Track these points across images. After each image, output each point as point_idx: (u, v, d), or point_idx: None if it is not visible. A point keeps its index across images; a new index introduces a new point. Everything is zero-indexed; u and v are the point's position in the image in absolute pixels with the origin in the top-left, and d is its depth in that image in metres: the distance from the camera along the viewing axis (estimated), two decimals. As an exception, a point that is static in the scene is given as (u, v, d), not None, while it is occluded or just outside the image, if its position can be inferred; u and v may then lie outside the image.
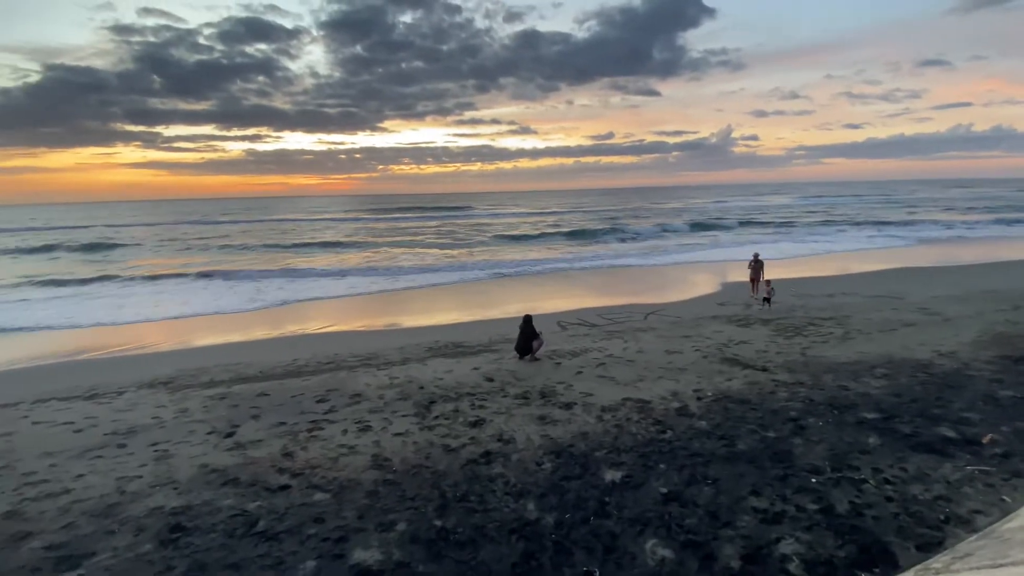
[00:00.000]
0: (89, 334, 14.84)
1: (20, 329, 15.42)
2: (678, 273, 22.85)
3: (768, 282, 15.01)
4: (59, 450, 6.45)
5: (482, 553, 4.19)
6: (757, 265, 16.27)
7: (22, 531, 4.70)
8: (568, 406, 7.23)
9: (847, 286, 17.18)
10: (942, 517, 4.34)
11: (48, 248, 40.96)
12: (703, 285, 19.07)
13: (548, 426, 6.56)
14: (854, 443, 5.74)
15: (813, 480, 5.01)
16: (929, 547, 3.98)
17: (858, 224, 44.21)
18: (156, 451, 6.32)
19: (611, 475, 5.26)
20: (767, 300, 14.42)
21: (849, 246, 30.94)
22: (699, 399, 7.27)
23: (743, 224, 47.31)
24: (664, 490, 4.90)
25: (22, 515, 4.98)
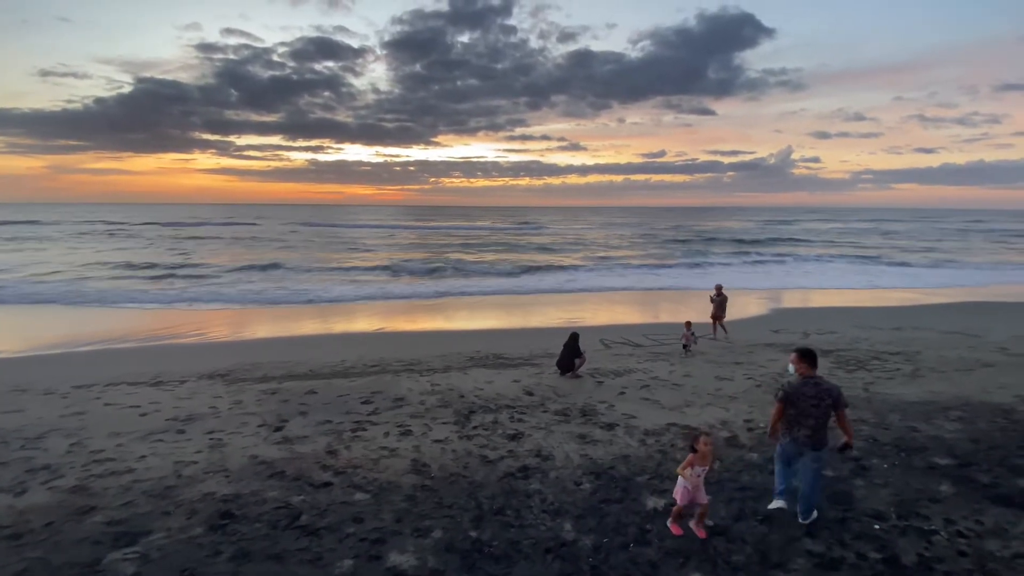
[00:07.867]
0: (168, 316, 15.88)
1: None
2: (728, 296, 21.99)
3: (688, 324, 11.61)
4: (125, 431, 6.88)
5: (516, 570, 4.12)
6: (720, 300, 13.10)
7: (87, 505, 5.02)
8: (610, 427, 7.05)
9: (917, 319, 16.00)
10: (1026, 581, 3.92)
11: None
12: (754, 309, 18.30)
13: (588, 446, 6.42)
14: (924, 490, 5.29)
15: (876, 527, 4.64)
16: (1011, 614, 3.59)
17: (931, 254, 41.30)
18: (211, 439, 6.63)
19: (653, 502, 5.07)
20: (687, 348, 11.39)
21: (920, 276, 28.91)
22: (750, 430, 6.92)
23: (806, 246, 45.14)
24: (710, 523, 4.66)
25: (88, 490, 5.33)
